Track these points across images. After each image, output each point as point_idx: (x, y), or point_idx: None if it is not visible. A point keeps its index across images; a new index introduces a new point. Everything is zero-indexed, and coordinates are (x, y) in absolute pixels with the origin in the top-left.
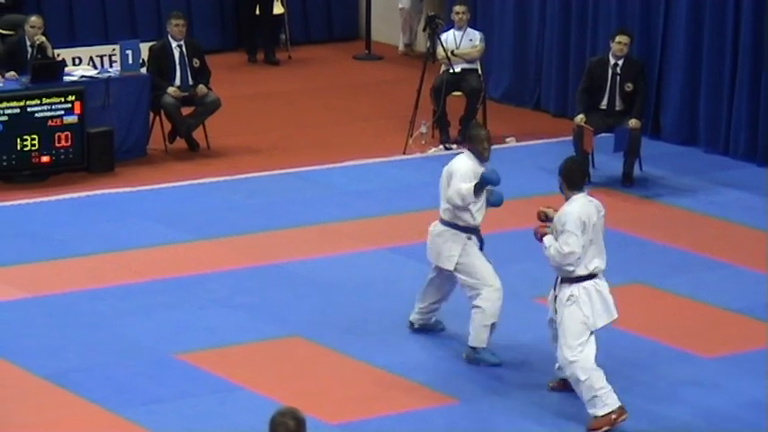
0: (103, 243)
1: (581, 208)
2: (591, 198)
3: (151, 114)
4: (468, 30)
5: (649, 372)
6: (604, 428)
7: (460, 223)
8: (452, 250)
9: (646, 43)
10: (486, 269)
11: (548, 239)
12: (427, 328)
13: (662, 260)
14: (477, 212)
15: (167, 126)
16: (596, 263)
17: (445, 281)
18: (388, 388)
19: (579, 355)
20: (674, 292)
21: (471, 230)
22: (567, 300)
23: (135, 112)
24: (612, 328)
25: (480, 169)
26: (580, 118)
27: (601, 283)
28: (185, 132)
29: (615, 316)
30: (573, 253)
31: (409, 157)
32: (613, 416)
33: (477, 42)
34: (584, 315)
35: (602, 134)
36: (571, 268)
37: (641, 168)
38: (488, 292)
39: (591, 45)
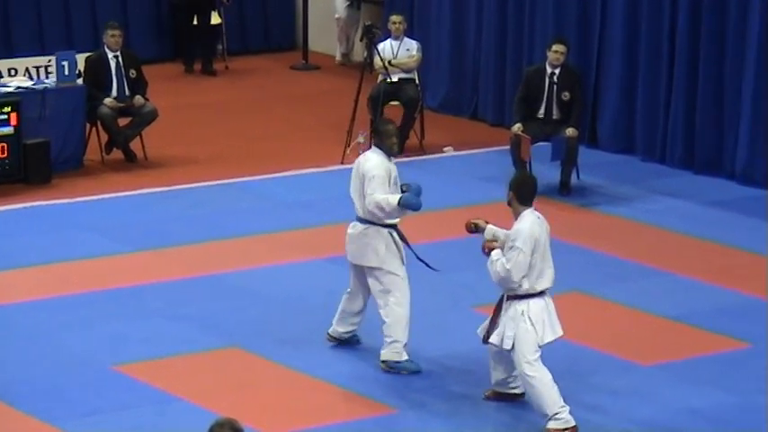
0: (41, 255)
1: (532, 226)
2: (539, 214)
3: (88, 125)
4: (405, 39)
5: (587, 380)
6: None
7: (379, 222)
8: (378, 246)
9: (582, 53)
10: (404, 272)
11: (495, 253)
12: (347, 342)
13: (599, 268)
14: None
15: (104, 137)
16: (546, 280)
17: (363, 287)
18: (327, 398)
19: (539, 371)
20: (611, 300)
21: (391, 226)
22: (521, 315)
23: (71, 124)
24: None
25: (391, 166)
26: (517, 127)
27: (549, 301)
28: (122, 143)
29: (560, 334)
30: (516, 270)
31: (347, 166)
32: None
33: (414, 52)
34: (535, 330)
35: (540, 143)
36: (515, 285)
37: (578, 177)
38: (398, 300)
39: (528, 54)
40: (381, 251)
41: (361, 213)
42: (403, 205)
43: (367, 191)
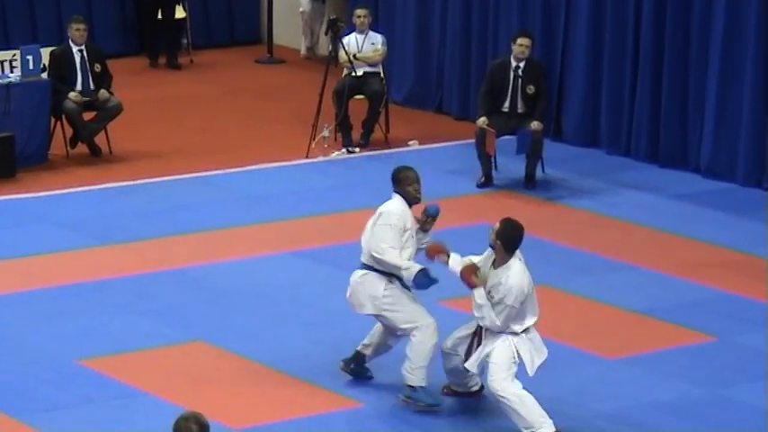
0: (5, 249)
1: (521, 279)
2: (521, 256)
3: (52, 120)
4: (370, 33)
5: (553, 373)
6: None
7: (381, 268)
8: (375, 292)
9: (547, 46)
10: (413, 307)
11: (480, 296)
12: (361, 373)
13: (565, 262)
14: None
15: (69, 131)
16: (531, 319)
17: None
18: (292, 392)
19: (510, 387)
20: (577, 293)
21: (393, 275)
22: (502, 341)
23: (36, 118)
24: None
25: (410, 213)
26: (482, 120)
27: (533, 335)
28: (87, 137)
29: (546, 354)
30: (505, 322)
31: (312, 160)
32: None
33: (379, 46)
34: (515, 357)
35: (505, 136)
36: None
37: (543, 170)
38: (421, 332)
39: (492, 48)
40: (378, 297)
41: (365, 259)
42: (416, 284)
43: (378, 242)
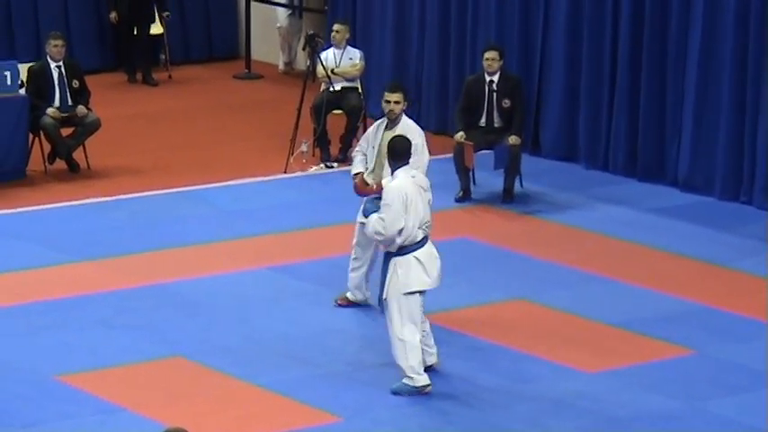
0: None
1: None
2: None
3: (30, 136)
4: (348, 48)
5: (532, 388)
6: None
7: None
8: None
9: (524, 60)
10: None
11: None
12: None
13: (543, 275)
14: None
15: (47, 147)
16: None
17: None
18: (270, 407)
19: None
20: (555, 307)
21: None
22: None
23: (14, 134)
24: (494, 344)
25: None
26: (460, 135)
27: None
28: (65, 153)
29: None
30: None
31: (290, 175)
32: None
33: (357, 61)
34: None
35: (483, 151)
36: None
37: (522, 185)
38: None
39: (470, 62)
40: None
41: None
42: None
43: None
